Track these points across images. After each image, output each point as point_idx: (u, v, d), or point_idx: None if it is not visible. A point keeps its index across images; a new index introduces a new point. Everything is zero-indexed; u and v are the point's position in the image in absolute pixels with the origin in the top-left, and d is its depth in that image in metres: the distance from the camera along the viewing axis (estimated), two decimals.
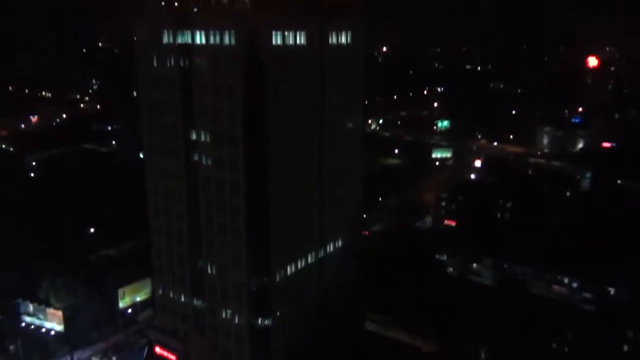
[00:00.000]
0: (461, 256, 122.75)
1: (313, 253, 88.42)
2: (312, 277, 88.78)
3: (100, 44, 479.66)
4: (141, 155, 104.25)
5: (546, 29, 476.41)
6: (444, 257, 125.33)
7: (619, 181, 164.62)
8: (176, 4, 78.95)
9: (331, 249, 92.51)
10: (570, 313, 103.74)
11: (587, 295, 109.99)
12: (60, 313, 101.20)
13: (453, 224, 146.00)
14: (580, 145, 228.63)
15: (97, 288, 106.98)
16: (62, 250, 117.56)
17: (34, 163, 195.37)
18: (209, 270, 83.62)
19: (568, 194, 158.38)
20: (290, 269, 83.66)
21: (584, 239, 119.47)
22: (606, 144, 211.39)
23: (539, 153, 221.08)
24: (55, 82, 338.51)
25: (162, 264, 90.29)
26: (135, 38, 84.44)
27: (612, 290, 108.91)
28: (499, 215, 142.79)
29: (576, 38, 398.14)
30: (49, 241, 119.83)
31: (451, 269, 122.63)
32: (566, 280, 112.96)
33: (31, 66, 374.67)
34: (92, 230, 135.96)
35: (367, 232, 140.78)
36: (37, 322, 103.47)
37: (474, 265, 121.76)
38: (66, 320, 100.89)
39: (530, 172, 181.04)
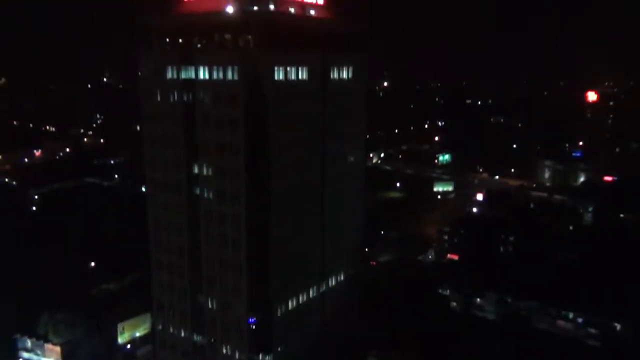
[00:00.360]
0: (464, 290, 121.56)
1: (315, 287, 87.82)
2: (313, 312, 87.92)
3: (105, 79, 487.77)
4: (143, 189, 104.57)
5: (546, 64, 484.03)
6: (447, 292, 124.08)
7: (621, 215, 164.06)
8: (180, 40, 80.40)
9: (333, 282, 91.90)
10: (575, 348, 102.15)
11: (592, 330, 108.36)
12: (58, 349, 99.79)
13: (456, 257, 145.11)
14: (581, 179, 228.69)
15: (96, 323, 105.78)
16: (62, 284, 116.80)
17: (36, 196, 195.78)
18: (210, 305, 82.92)
19: (571, 227, 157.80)
20: (291, 304, 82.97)
21: (589, 273, 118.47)
22: (608, 178, 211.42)
23: (534, 186, 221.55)
24: (60, 117, 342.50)
25: (162, 298, 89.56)
26: (139, 73, 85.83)
27: (617, 326, 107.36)
28: (501, 249, 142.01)
29: (575, 73, 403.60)
30: (49, 275, 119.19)
31: (454, 304, 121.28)
32: (571, 315, 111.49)
33: (36, 101, 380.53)
34: (92, 264, 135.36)
35: (374, 262, 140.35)
36: (35, 357, 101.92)
37: (478, 299, 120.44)
38: (65, 356, 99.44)
39: (532, 205, 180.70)
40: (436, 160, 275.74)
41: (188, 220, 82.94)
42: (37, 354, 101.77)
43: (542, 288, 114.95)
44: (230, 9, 75.68)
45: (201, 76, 77.06)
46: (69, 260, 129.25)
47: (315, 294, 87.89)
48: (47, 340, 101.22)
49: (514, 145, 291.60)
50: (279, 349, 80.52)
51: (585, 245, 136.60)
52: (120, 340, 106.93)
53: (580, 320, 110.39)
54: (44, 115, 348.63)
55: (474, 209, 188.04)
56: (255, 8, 76.00)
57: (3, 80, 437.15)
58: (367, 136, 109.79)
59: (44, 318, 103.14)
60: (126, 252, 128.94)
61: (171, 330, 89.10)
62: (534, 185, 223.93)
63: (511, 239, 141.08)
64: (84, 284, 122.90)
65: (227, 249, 78.69)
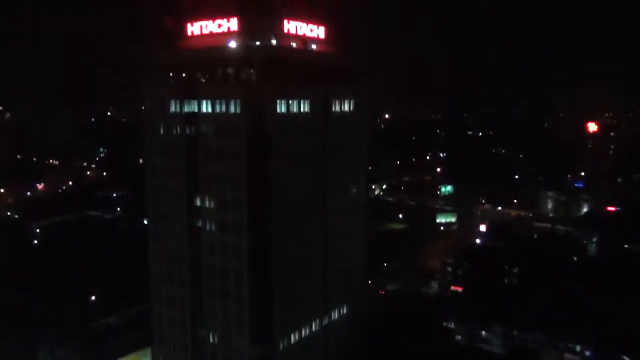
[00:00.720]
0: (469, 323, 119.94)
1: (317, 320, 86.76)
2: (316, 345, 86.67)
3: (108, 113, 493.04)
4: (145, 222, 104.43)
5: (545, 95, 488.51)
6: (452, 324, 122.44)
7: (625, 245, 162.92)
8: (184, 75, 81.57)
9: (336, 315, 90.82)
10: None
11: None
12: None
13: (460, 289, 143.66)
14: (584, 210, 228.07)
15: (96, 357, 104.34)
16: (62, 318, 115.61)
17: (38, 230, 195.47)
18: (211, 339, 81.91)
19: (575, 258, 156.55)
20: (294, 337, 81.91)
21: (595, 304, 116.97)
22: (610, 208, 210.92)
23: (532, 216, 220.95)
24: (63, 150, 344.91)
25: (162, 332, 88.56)
26: (143, 107, 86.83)
27: (626, 359, 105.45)
28: (506, 281, 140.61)
29: (575, 105, 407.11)
30: (49, 309, 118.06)
31: (459, 337, 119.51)
32: (578, 348, 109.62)
33: (39, 134, 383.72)
34: (93, 297, 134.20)
35: (383, 292, 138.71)
36: None
37: (483, 332, 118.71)
38: None
39: (535, 236, 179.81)
40: (438, 192, 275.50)
41: (189, 253, 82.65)
42: None
43: (549, 320, 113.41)
44: (233, 44, 77.07)
45: (204, 109, 77.92)
46: (69, 294, 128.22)
47: (318, 327, 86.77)
48: None
49: (516, 176, 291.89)
50: None
51: (591, 276, 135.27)
52: None
53: (588, 353, 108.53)
54: (47, 149, 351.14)
55: (477, 240, 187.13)
56: (258, 43, 77.39)
57: (7, 114, 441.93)
58: (369, 167, 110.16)
59: (43, 353, 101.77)
60: (127, 285, 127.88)
61: None
62: (534, 215, 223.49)
63: (515, 270, 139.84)
64: (84, 318, 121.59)
65: (228, 281, 78.11)
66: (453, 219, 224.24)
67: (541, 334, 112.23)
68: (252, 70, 75.01)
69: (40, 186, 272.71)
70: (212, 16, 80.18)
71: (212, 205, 78.92)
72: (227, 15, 78.84)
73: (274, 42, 79.16)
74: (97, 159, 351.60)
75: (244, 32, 77.75)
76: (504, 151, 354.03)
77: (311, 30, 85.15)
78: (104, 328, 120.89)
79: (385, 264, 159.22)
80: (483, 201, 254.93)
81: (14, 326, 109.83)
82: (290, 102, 77.41)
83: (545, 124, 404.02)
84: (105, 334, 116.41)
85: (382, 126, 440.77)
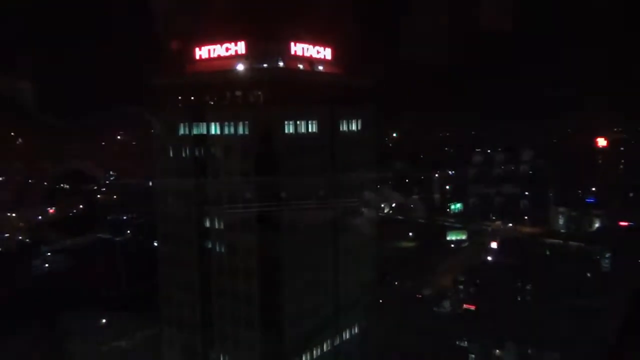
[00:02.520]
0: (483, 342, 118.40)
1: (328, 340, 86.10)
2: None
3: (118, 136, 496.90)
4: (155, 244, 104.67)
5: (552, 112, 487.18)
6: (465, 343, 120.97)
7: (639, 260, 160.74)
8: (192, 98, 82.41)
9: (347, 335, 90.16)
10: None
11: None
12: None
13: (472, 307, 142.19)
14: (596, 225, 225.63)
15: None
16: (72, 341, 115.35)
17: (48, 254, 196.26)
18: None
19: (588, 274, 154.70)
20: (305, 359, 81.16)
21: (610, 321, 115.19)
22: (623, 223, 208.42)
23: (544, 232, 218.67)
24: (74, 174, 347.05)
25: (172, 356, 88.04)
26: (152, 131, 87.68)
27: None
28: (519, 298, 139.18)
29: (584, 120, 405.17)
30: (58, 332, 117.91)
31: (473, 356, 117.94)
32: None
33: (51, 159, 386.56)
34: (103, 320, 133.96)
35: (394, 310, 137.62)
36: None
37: (497, 351, 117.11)
38: None
39: (547, 253, 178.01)
40: (448, 209, 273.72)
41: (199, 275, 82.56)
42: None
43: (564, 338, 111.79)
44: (240, 67, 77.91)
45: (213, 132, 78.50)
46: (78, 317, 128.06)
47: (329, 347, 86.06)
48: None
49: (526, 192, 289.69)
50: None
51: (605, 292, 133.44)
52: None
53: None
54: (58, 173, 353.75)
55: (489, 258, 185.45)
56: (265, 65, 78.20)
57: (19, 140, 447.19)
58: (378, 186, 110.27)
59: None
60: (137, 308, 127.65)
61: None
62: (545, 231, 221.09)
63: (528, 287, 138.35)
64: (94, 341, 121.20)
65: (239, 303, 77.81)
66: (463, 237, 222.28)
67: (556, 352, 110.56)
68: (259, 92, 75.68)
69: (51, 210, 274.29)
70: (220, 40, 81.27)
71: (222, 227, 79.01)
72: (234, 39, 79.90)
73: (281, 64, 79.95)
74: (107, 182, 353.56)
75: (252, 55, 78.68)
76: (512, 167, 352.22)
77: (318, 52, 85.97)
78: (114, 352, 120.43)
79: (396, 283, 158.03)
80: (494, 218, 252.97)
81: (22, 350, 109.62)
82: (297, 122, 77.93)
83: (554, 140, 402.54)
84: (116, 357, 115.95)
85: (391, 145, 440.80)
